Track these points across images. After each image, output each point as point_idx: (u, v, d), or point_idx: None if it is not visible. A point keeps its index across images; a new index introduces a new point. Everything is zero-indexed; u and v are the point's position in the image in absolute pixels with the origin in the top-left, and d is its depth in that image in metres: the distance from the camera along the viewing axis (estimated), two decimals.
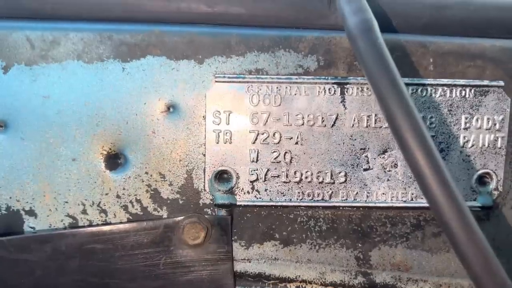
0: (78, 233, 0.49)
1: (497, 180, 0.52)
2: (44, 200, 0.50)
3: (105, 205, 0.50)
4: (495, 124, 0.51)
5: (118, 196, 0.50)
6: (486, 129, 0.51)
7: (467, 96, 0.51)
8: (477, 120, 0.51)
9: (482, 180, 0.52)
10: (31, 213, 0.50)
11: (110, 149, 0.49)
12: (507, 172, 0.52)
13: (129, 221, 0.51)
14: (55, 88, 0.48)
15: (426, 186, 0.38)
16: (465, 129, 0.51)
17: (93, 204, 0.50)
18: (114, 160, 0.50)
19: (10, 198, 0.50)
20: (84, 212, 0.50)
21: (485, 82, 0.51)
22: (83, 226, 0.50)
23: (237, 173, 0.50)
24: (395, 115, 0.39)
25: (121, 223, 0.50)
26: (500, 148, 0.52)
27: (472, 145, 0.51)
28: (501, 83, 0.51)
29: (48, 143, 0.49)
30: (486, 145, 0.52)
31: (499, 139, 0.51)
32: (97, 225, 0.50)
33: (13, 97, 0.48)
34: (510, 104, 0.51)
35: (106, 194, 0.50)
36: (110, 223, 0.50)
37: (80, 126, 0.49)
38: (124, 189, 0.50)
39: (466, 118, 0.51)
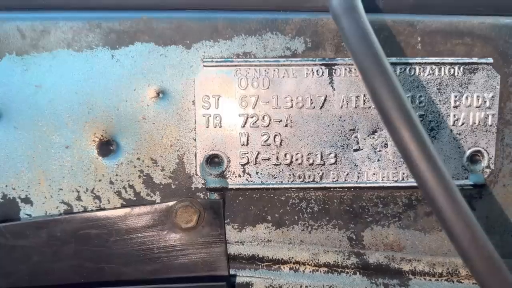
0: (73, 219, 0.50)
1: (489, 158, 0.52)
2: (39, 188, 0.51)
3: (98, 191, 0.51)
4: (485, 102, 0.51)
5: (111, 182, 0.51)
6: (476, 107, 0.51)
7: (456, 74, 0.51)
8: (466, 98, 0.51)
9: (474, 158, 0.52)
10: (27, 200, 0.51)
11: (102, 136, 0.50)
12: (499, 149, 0.52)
13: (122, 206, 0.51)
14: (46, 77, 0.49)
15: (410, 159, 0.38)
16: (455, 107, 0.51)
17: (87, 191, 0.51)
18: (107, 147, 0.50)
19: (6, 186, 0.51)
20: (78, 198, 0.51)
21: (474, 60, 0.50)
22: (78, 212, 0.51)
23: (228, 157, 0.51)
24: (378, 92, 0.39)
25: (115, 208, 0.51)
26: (491, 125, 0.51)
27: (463, 123, 0.51)
28: (490, 60, 0.50)
29: (41, 132, 0.50)
30: (477, 123, 0.51)
31: (490, 116, 0.51)
32: (92, 211, 0.51)
33: (6, 87, 0.49)
34: (500, 81, 0.51)
35: (100, 180, 0.51)
36: (104, 209, 0.51)
37: (72, 114, 0.50)
38: (117, 175, 0.51)
39: (455, 96, 0.51)
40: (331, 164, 0.51)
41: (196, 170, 0.51)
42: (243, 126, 0.50)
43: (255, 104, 0.50)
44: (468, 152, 0.52)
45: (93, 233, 0.51)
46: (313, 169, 0.51)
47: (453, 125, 0.51)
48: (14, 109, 0.49)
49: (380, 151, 0.51)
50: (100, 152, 0.50)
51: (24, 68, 0.49)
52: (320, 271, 0.53)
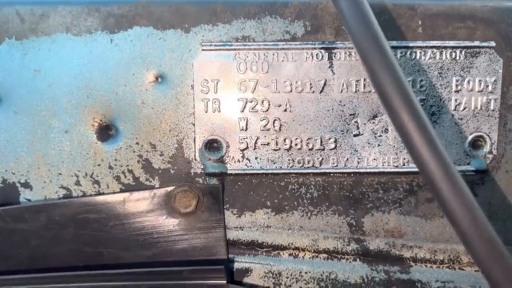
0: (72, 203, 0.50)
1: (491, 143, 0.51)
2: (39, 172, 0.51)
3: (98, 176, 0.51)
4: (487, 86, 0.50)
5: (110, 167, 0.51)
6: (478, 91, 0.50)
7: (457, 58, 0.50)
8: (468, 82, 0.50)
9: (476, 143, 0.52)
10: (27, 185, 0.51)
11: (101, 120, 0.50)
12: (501, 135, 0.51)
13: (121, 191, 0.51)
14: (45, 61, 0.49)
15: (411, 144, 0.38)
16: (457, 91, 0.50)
17: (86, 175, 0.51)
18: (106, 131, 0.50)
19: (6, 171, 0.51)
20: (77, 183, 0.51)
21: (476, 43, 0.50)
22: (77, 197, 0.51)
23: (227, 142, 0.51)
24: (377, 74, 0.39)
25: (114, 193, 0.51)
26: (493, 110, 0.51)
27: (464, 108, 0.51)
28: (493, 43, 0.50)
29: (40, 116, 0.50)
30: (479, 107, 0.51)
31: (492, 101, 0.51)
32: (91, 195, 0.51)
33: (5, 71, 0.49)
34: (503, 65, 0.50)
35: (99, 165, 0.51)
36: (103, 194, 0.51)
37: (71, 98, 0.50)
38: (116, 160, 0.51)
39: (457, 81, 0.50)
40: (330, 149, 0.51)
41: (195, 155, 0.51)
42: (242, 111, 0.50)
43: (254, 89, 0.50)
44: (470, 137, 0.51)
45: (92, 218, 0.51)
46: (312, 154, 0.51)
47: (455, 109, 0.51)
48: (14, 93, 0.49)
49: (380, 136, 0.51)
50: (99, 136, 0.50)
51: (23, 53, 0.49)
52: (320, 257, 0.53)
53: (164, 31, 0.49)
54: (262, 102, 0.50)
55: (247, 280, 0.52)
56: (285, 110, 0.50)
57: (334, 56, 0.50)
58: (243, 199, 0.52)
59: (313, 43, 0.49)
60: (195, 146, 0.51)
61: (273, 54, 0.49)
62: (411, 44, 0.49)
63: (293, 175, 0.52)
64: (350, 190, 0.52)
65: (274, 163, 0.51)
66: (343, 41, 0.49)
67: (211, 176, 0.51)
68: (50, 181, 0.51)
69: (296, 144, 0.51)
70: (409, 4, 0.49)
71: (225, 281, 0.50)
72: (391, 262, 0.53)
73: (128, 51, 0.49)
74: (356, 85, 0.50)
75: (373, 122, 0.51)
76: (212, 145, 0.51)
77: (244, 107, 0.50)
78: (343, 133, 0.51)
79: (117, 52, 0.49)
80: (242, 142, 0.51)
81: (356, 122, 0.50)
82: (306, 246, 0.53)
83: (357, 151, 0.51)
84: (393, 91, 0.38)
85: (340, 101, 0.50)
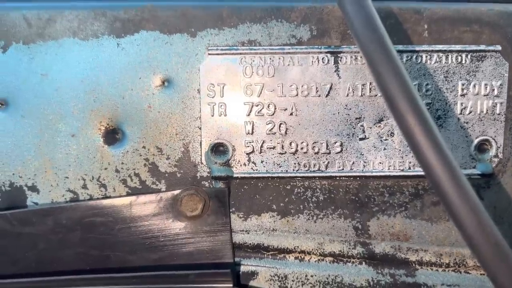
0: (79, 207, 0.51)
1: (497, 147, 0.51)
2: (46, 176, 0.51)
3: (104, 180, 0.51)
4: (493, 90, 0.50)
5: (117, 171, 0.51)
6: (484, 95, 0.50)
7: (463, 61, 0.50)
8: (474, 86, 0.50)
9: (482, 147, 0.52)
10: (34, 188, 0.51)
11: (108, 124, 0.50)
12: (507, 138, 0.51)
13: (128, 194, 0.51)
14: (52, 65, 0.49)
15: (417, 147, 0.38)
16: (462, 95, 0.50)
17: (93, 179, 0.51)
18: (112, 135, 0.51)
19: (13, 174, 0.51)
20: (84, 187, 0.51)
21: (482, 47, 0.50)
22: (84, 200, 0.51)
23: (233, 146, 0.51)
24: (384, 76, 0.39)
25: (120, 196, 0.51)
26: (499, 114, 0.51)
27: (470, 112, 0.51)
28: (499, 47, 0.50)
29: (47, 120, 0.50)
30: (485, 111, 0.51)
31: (498, 105, 0.51)
32: (97, 199, 0.51)
33: (13, 75, 0.49)
34: (509, 68, 0.50)
35: (105, 168, 0.51)
36: (109, 197, 0.51)
37: (78, 102, 0.50)
38: (122, 163, 0.51)
39: (463, 85, 0.50)
40: (336, 153, 0.51)
41: (201, 158, 0.51)
42: (248, 115, 0.50)
43: (260, 93, 0.50)
44: (475, 141, 0.51)
45: (99, 221, 0.51)
46: (318, 158, 0.51)
47: (461, 113, 0.51)
48: (21, 97, 0.50)
49: (386, 140, 0.51)
50: (106, 140, 0.51)
51: (30, 57, 0.49)
52: (326, 261, 0.53)
53: (171, 35, 0.49)
54: (268, 106, 0.50)
55: (253, 283, 0.52)
56: (291, 114, 0.50)
57: (340, 60, 0.50)
58: (249, 202, 0.52)
59: (319, 47, 0.49)
60: (201, 150, 0.51)
61: (279, 58, 0.49)
62: (417, 48, 0.49)
63: (299, 178, 0.52)
64: (356, 193, 0.52)
65: (280, 166, 0.51)
66: (349, 45, 0.49)
67: (217, 179, 0.51)
68: (57, 185, 0.51)
69: (302, 148, 0.51)
70: (415, 8, 0.50)
71: (231, 285, 0.50)
72: (397, 265, 0.53)
73: (135, 55, 0.49)
74: (362, 89, 0.50)
75: (379, 126, 0.51)
76: (218, 149, 0.51)
77: (250, 111, 0.50)
78: (349, 137, 0.51)
79: (124, 56, 0.49)
80: (248, 146, 0.51)
81: (362, 126, 0.51)
82: (312, 249, 0.53)
83: (363, 154, 0.51)
84: (399, 95, 0.38)
85: (346, 105, 0.50)
